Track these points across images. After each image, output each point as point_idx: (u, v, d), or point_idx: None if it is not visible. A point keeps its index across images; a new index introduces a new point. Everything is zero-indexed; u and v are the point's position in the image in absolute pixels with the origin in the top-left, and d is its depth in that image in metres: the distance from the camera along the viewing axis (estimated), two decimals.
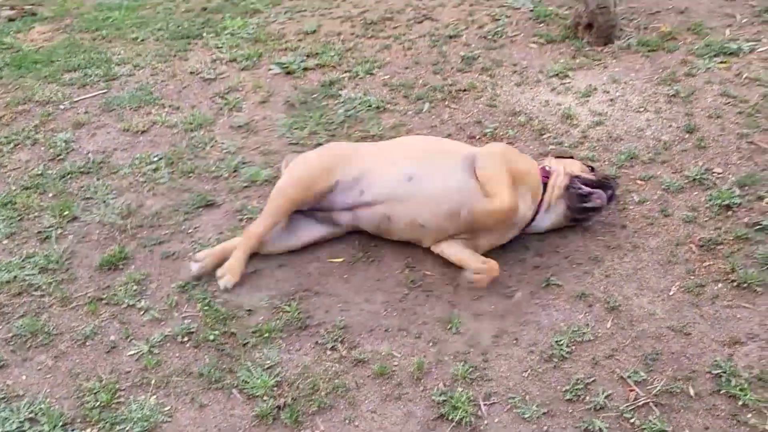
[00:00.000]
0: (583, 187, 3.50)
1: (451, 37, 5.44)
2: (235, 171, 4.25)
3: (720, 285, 3.23)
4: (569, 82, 4.75)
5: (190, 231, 3.84)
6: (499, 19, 5.58)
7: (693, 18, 5.32)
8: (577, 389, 2.86)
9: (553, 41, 5.23)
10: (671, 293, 3.23)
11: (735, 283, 3.21)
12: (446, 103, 4.67)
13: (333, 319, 3.26)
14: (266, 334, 3.20)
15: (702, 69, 4.71)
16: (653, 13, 5.47)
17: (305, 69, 5.19)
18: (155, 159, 4.39)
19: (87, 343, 3.25)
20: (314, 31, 5.70)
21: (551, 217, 3.55)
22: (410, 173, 3.43)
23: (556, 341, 3.05)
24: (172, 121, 4.74)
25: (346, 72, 5.12)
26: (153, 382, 3.05)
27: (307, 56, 5.35)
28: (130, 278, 3.55)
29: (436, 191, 3.38)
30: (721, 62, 4.77)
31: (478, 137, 4.30)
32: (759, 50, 4.83)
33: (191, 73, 5.28)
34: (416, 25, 5.69)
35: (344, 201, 3.55)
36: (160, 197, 4.10)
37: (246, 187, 4.12)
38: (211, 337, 3.20)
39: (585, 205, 3.50)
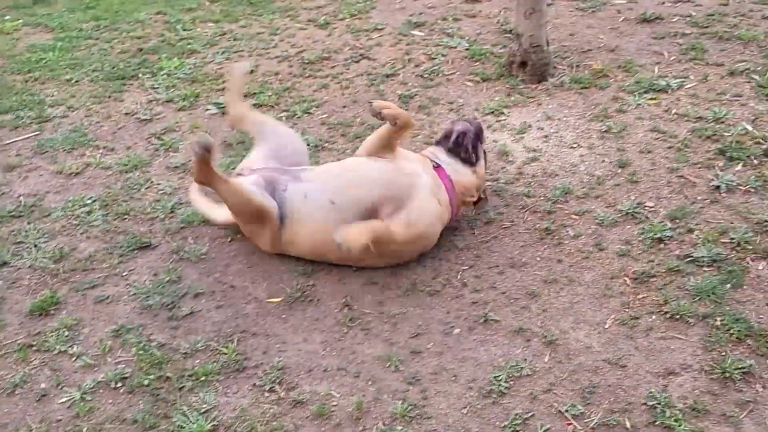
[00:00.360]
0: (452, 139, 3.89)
1: (388, 75, 5.49)
2: (171, 212, 4.20)
3: (654, 317, 3.28)
4: (505, 120, 4.83)
5: (124, 274, 3.78)
6: (436, 58, 5.66)
7: (623, 56, 5.47)
8: (515, 424, 2.86)
9: (489, 79, 5.32)
10: (607, 326, 3.27)
11: (668, 315, 3.27)
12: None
13: (271, 360, 3.22)
14: (203, 377, 3.15)
15: (633, 105, 4.83)
16: (585, 52, 5.60)
17: None
18: (89, 201, 4.31)
19: (16, 392, 3.15)
20: (251, 71, 5.70)
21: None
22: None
23: (495, 377, 3.06)
24: (106, 162, 4.67)
25: (284, 111, 5.13)
26: (85, 430, 2.96)
27: (245, 96, 5.33)
28: (62, 324, 3.46)
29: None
30: (651, 99, 4.90)
31: None
32: (686, 87, 4.98)
33: (127, 114, 5.23)
34: (353, 64, 5.73)
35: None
36: (94, 240, 4.02)
37: (183, 228, 4.07)
38: (146, 382, 3.13)
39: (465, 144, 3.88)
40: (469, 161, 3.89)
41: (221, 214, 3.92)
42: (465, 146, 3.88)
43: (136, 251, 3.92)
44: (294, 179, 3.71)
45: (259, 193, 3.62)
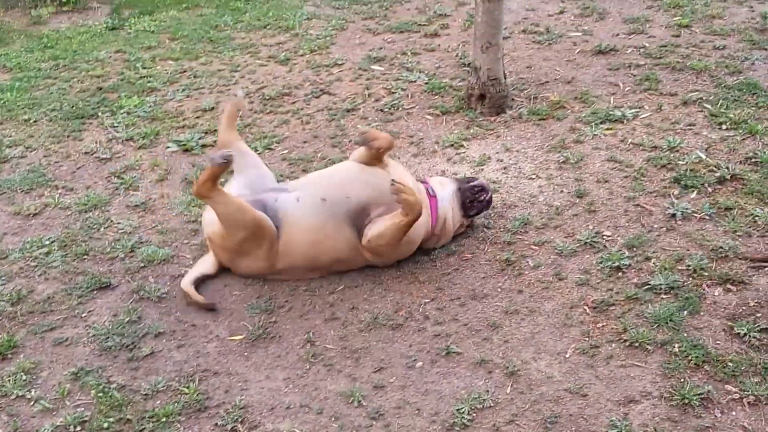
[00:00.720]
0: (471, 185, 4.04)
1: (348, 110, 5.53)
2: (131, 251, 4.17)
3: (613, 345, 3.31)
4: (464, 152, 4.87)
5: (83, 315, 3.73)
6: (395, 92, 5.71)
7: (579, 87, 5.57)
8: None
9: (448, 112, 5.37)
10: (567, 355, 3.29)
11: (627, 343, 3.30)
12: None
13: (233, 399, 3.19)
14: (164, 419, 3.11)
15: (589, 136, 4.90)
16: (542, 83, 5.69)
17: (203, 146, 5.18)
18: (47, 242, 4.27)
19: None
20: (212, 108, 5.71)
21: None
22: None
23: (458, 409, 3.06)
24: (65, 202, 4.64)
25: None
26: None
27: (205, 133, 5.34)
28: (20, 367, 3.41)
29: None
30: (607, 129, 4.98)
31: None
32: (641, 116, 5.07)
33: (86, 153, 5.20)
34: (314, 99, 5.76)
35: None
36: (53, 281, 3.97)
37: (143, 267, 4.04)
38: (106, 425, 3.09)
39: (478, 197, 4.03)
40: (466, 210, 4.04)
41: (209, 262, 3.94)
42: (476, 197, 4.03)
43: (95, 292, 3.88)
44: (282, 191, 3.85)
45: (253, 207, 3.71)
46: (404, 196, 3.59)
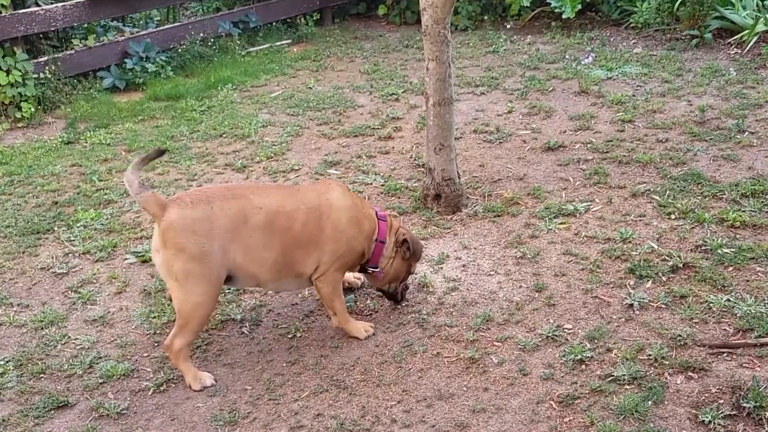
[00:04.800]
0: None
1: None
2: (90, 367, 4.09)
3: None
4: (423, 251, 4.91)
5: None
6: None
7: (531, 183, 5.70)
8: None
9: (405, 213, 5.45)
10: None
11: None
12: None
13: None
14: None
15: (544, 230, 5.00)
16: (495, 181, 5.82)
17: None
18: (2, 362, 4.16)
19: None
20: None
21: None
22: None
23: None
24: (21, 320, 4.55)
25: None
26: None
27: None
28: None
29: None
30: (561, 223, 5.09)
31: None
32: (593, 210, 5.21)
33: (42, 268, 5.14)
34: None
35: None
36: (8, 403, 3.86)
37: (102, 383, 3.96)
38: None
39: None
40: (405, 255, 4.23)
41: None
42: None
43: (52, 411, 3.77)
44: None
45: None
46: None
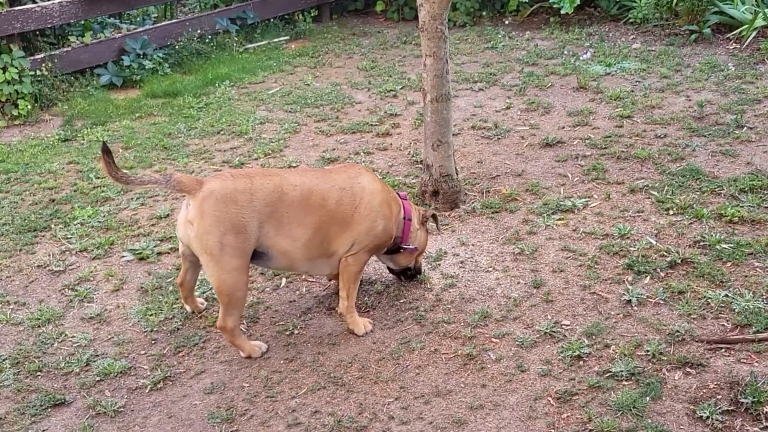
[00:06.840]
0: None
1: None
2: (87, 365, 4.07)
3: None
4: None
5: None
6: None
7: (530, 179, 5.69)
8: None
9: None
10: None
11: None
12: (302, 277, 4.71)
13: None
14: None
15: (542, 227, 4.99)
16: (493, 177, 5.81)
17: (159, 254, 5.15)
18: None
19: None
20: (167, 215, 5.70)
21: None
22: None
23: None
24: (17, 318, 4.54)
25: None
26: None
27: (161, 241, 5.32)
28: None
29: None
30: (559, 219, 5.08)
31: (336, 309, 4.34)
32: (591, 206, 5.19)
33: (39, 266, 5.12)
34: None
35: None
36: (5, 401, 3.85)
37: (99, 381, 3.94)
38: None
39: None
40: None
41: None
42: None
43: (49, 409, 3.76)
44: None
45: None
46: None
